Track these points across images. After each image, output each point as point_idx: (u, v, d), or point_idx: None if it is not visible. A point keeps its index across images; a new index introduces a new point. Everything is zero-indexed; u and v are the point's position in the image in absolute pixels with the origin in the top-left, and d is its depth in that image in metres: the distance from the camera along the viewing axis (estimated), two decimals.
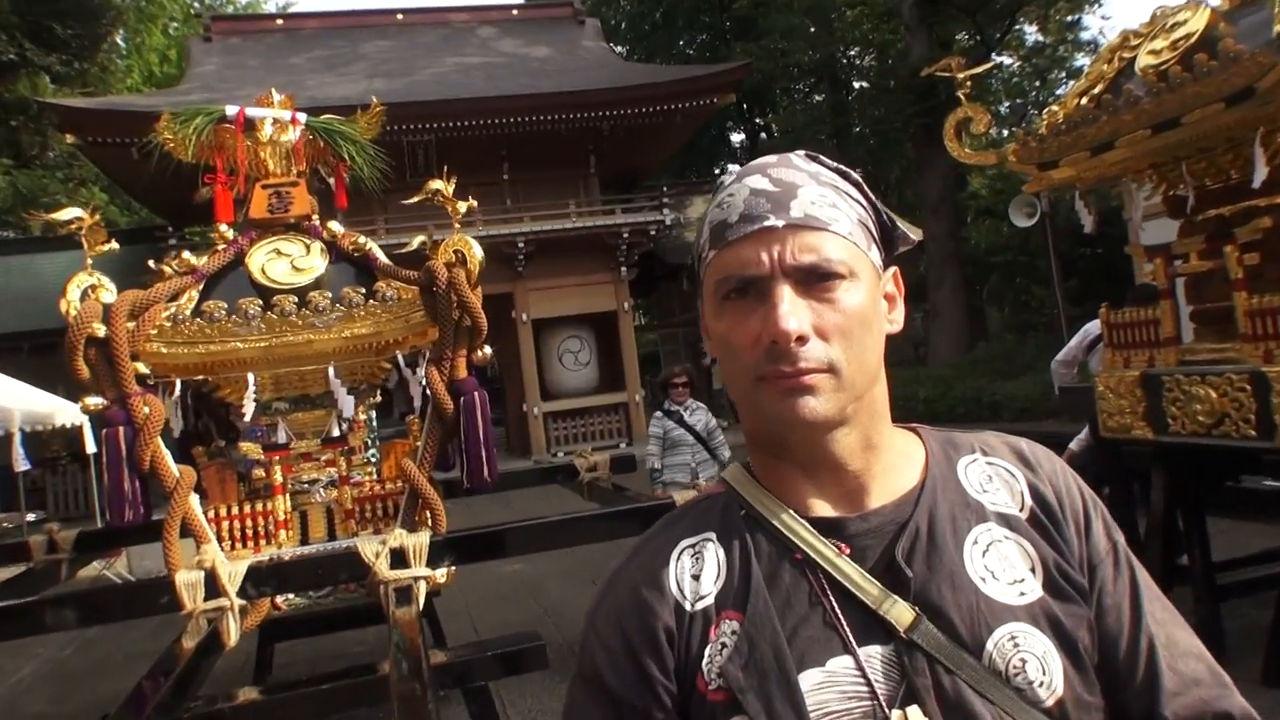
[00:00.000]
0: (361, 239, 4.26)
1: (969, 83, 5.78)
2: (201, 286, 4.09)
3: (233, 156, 4.38)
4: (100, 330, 3.68)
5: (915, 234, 1.14)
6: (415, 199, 4.13)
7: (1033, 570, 1.02)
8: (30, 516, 13.79)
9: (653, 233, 20.68)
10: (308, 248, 4.25)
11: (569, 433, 20.74)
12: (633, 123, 20.06)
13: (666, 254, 23.02)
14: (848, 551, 1.02)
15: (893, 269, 1.12)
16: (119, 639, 8.20)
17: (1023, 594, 1.01)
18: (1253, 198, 4.48)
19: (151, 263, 4.18)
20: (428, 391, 4.03)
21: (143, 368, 3.83)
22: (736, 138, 38.15)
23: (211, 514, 4.09)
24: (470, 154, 18.78)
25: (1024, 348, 19.79)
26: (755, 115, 35.53)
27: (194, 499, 3.76)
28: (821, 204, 1.02)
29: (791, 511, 1.05)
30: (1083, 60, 28.18)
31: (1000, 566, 1.02)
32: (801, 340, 0.97)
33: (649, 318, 34.91)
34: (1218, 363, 4.61)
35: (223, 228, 4.18)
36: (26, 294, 18.97)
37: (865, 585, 1.00)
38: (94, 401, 3.71)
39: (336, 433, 4.39)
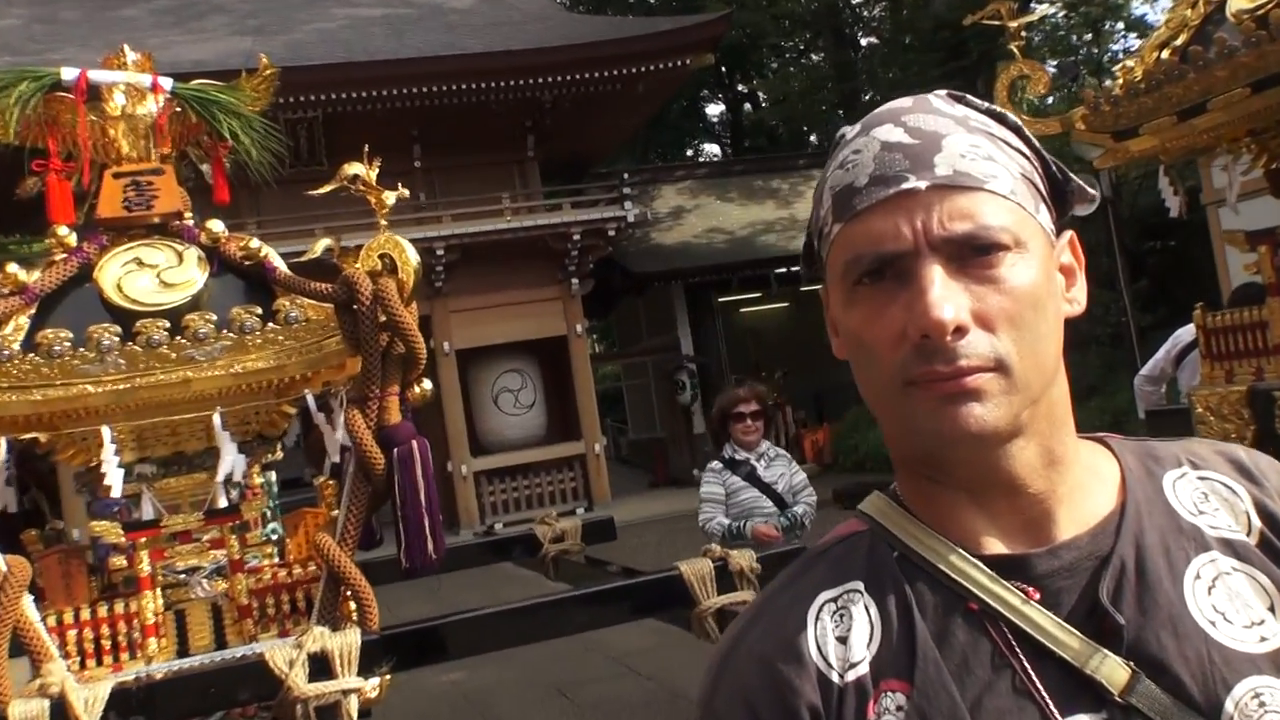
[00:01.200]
0: (254, 243, 4.17)
1: (1022, 33, 5.82)
2: (34, 310, 3.96)
3: (71, 135, 4.27)
4: None
5: (1093, 190, 1.17)
6: (326, 188, 4.08)
7: (1272, 609, 1.05)
8: None
9: (611, 233, 20.74)
10: (179, 255, 4.15)
11: (510, 497, 20.64)
12: (582, 92, 20.12)
13: (629, 260, 23.04)
14: (1037, 597, 1.04)
15: (1068, 234, 1.14)
16: None
17: (1264, 639, 1.03)
18: None
19: None
20: (348, 443, 3.94)
21: None
22: (714, 110, 38.49)
23: (54, 621, 3.93)
24: (370, 135, 18.47)
25: (1087, 366, 19.94)
26: (738, 81, 35.84)
27: (28, 601, 3.59)
28: (974, 156, 1.04)
29: (960, 550, 1.07)
30: (1140, 7, 28.76)
31: (1232, 606, 1.04)
32: (960, 332, 0.99)
33: (608, 343, 34.93)
34: None
35: (61, 231, 4.07)
36: None
37: (1064, 638, 1.02)
38: None
39: (224, 503, 4.24)
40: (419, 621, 3.91)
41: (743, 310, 26.79)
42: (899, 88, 25.43)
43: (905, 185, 1.02)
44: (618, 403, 31.60)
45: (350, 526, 3.87)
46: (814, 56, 32.16)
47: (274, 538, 4.45)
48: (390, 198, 4.06)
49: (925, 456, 1.07)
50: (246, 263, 4.16)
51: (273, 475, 4.59)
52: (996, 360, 1.00)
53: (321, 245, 4.36)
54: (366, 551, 4.21)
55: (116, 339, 3.83)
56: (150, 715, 3.55)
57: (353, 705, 3.36)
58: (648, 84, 20.38)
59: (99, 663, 3.96)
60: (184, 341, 3.87)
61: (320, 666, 3.39)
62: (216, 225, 4.19)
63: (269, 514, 4.47)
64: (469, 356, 20.54)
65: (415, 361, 3.95)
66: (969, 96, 1.10)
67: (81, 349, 3.81)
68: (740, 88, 36.25)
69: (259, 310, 3.99)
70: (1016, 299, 1.01)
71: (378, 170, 4.09)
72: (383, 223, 4.05)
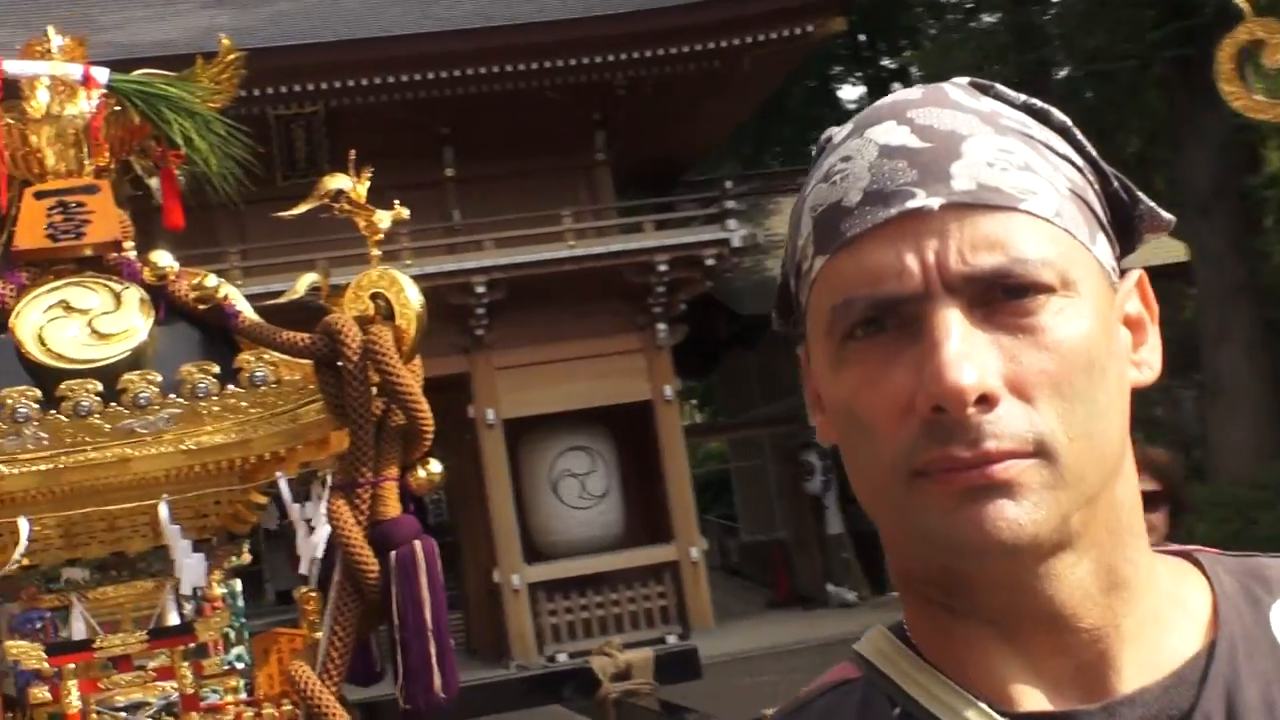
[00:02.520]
0: (211, 281, 4.31)
1: None
2: None
3: None
4: None
5: (1168, 215, 1.14)
6: (300, 209, 4.20)
7: None
8: None
9: (710, 262, 20.73)
10: (117, 298, 4.31)
11: (577, 619, 20.59)
12: (667, 74, 20.24)
13: (736, 299, 22.96)
14: None
15: (1136, 273, 1.12)
16: None
17: None
18: None
19: None
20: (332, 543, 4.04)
21: None
22: (850, 94, 38.50)
23: None
24: (387, 136, 18.98)
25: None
26: (881, 54, 35.85)
27: None
28: (1006, 164, 1.02)
29: (983, 705, 1.04)
30: None
31: None
32: (986, 402, 0.96)
33: (709, 412, 34.83)
34: None
35: None
36: None
37: None
38: None
39: (175, 619, 4.41)
40: None
41: None
42: (1104, 59, 25.31)
43: (911, 204, 1.00)
44: (724, 492, 31.33)
45: (334, 653, 3.94)
46: (986, 18, 32.04)
47: (239, 667, 4.57)
48: (385, 219, 4.16)
49: (939, 575, 1.05)
50: (201, 306, 4.30)
51: (237, 585, 4.69)
52: (1037, 442, 0.97)
53: (305, 282, 4.45)
54: (365, 686, 4.30)
55: (36, 406, 3.99)
56: None
57: None
58: (757, 60, 20.38)
59: None
60: (121, 409, 4.02)
61: None
62: (163, 258, 4.34)
63: (233, 635, 4.58)
64: (520, 429, 20.65)
65: (419, 436, 4.02)
66: (999, 86, 1.08)
67: None
68: (886, 63, 36.20)
69: (215, 369, 4.13)
70: (1064, 358, 0.98)
71: (368, 182, 4.20)
72: (374, 253, 4.16)
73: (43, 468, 3.98)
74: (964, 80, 1.09)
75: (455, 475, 22.16)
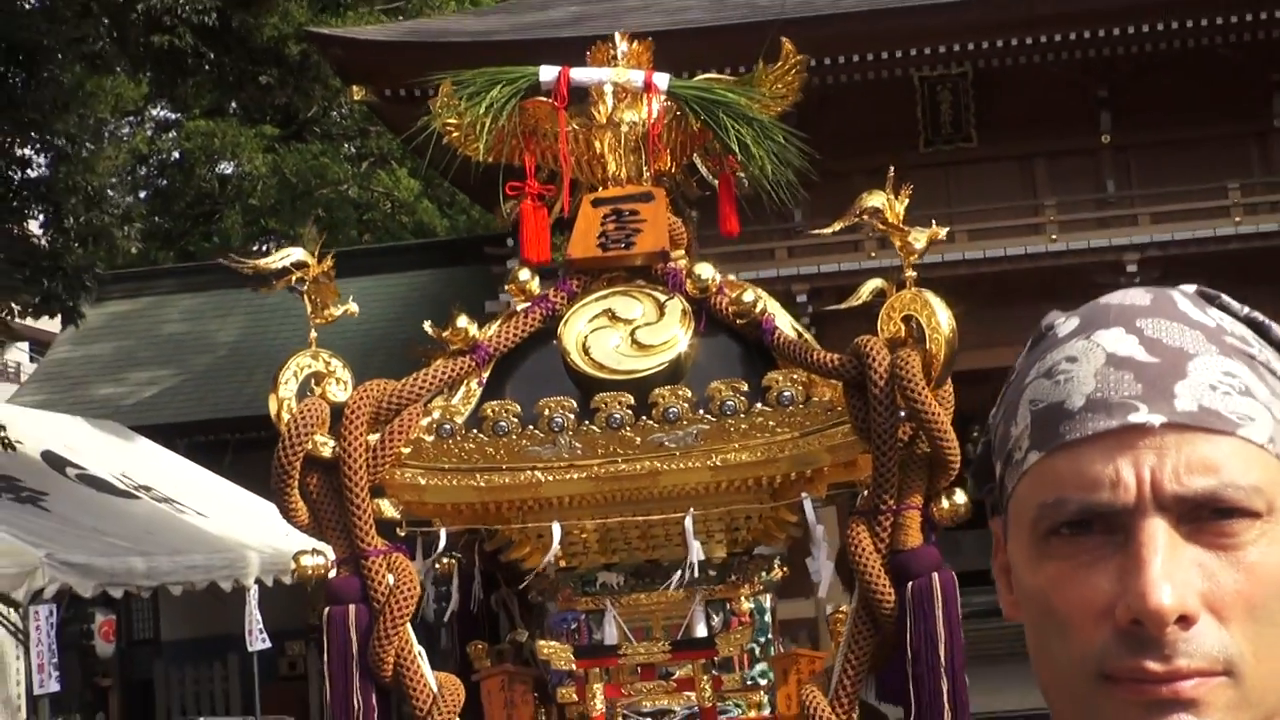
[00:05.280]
0: (749, 295, 4.73)
1: None
2: (486, 375, 4.76)
3: (552, 149, 5.07)
4: (325, 447, 4.40)
5: None
6: (836, 226, 4.61)
7: None
8: None
9: None
10: (661, 308, 4.81)
11: None
12: None
13: None
14: None
15: None
16: None
17: None
18: None
19: (428, 326, 4.91)
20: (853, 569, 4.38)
21: (390, 508, 4.52)
22: None
23: None
24: (1037, 100, 19.03)
25: None
26: None
27: None
28: (1228, 388, 1.11)
29: None
30: None
31: None
32: (1185, 621, 1.05)
33: None
34: None
35: (522, 275, 4.84)
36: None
37: None
38: (312, 562, 4.46)
39: (702, 631, 4.84)
40: None
41: None
42: None
43: (1134, 418, 1.08)
44: None
45: (846, 681, 4.30)
46: None
47: (762, 684, 5.00)
48: (920, 239, 4.44)
49: None
50: (739, 321, 4.74)
51: (767, 601, 5.05)
52: (1226, 662, 1.05)
53: (870, 287, 4.77)
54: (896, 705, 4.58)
55: (571, 416, 4.54)
56: None
57: None
58: None
59: None
60: (651, 423, 4.51)
61: None
62: (705, 270, 4.81)
63: (757, 651, 5.01)
64: None
65: (945, 465, 4.30)
66: (1224, 297, 1.17)
67: (531, 426, 4.55)
68: None
69: (744, 386, 4.54)
70: (1261, 582, 1.06)
71: (907, 198, 4.51)
72: (909, 274, 4.45)
73: (577, 476, 4.50)
74: (1191, 288, 1.19)
75: None
